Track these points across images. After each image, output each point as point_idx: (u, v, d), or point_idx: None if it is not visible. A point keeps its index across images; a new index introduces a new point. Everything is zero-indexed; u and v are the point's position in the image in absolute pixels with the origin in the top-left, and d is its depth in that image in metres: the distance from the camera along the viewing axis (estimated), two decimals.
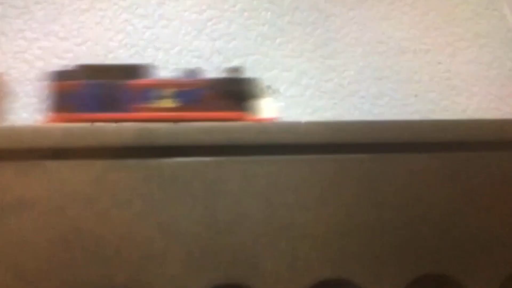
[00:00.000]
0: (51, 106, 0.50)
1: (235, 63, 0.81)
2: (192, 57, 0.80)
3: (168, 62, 0.79)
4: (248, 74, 0.53)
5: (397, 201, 0.46)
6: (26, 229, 0.41)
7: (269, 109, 0.51)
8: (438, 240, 0.45)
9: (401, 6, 0.89)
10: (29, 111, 0.73)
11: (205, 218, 0.43)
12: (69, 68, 0.51)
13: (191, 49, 0.80)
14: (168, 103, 0.50)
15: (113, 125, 0.44)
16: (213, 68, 0.77)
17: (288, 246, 0.44)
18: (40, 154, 0.43)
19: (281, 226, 0.44)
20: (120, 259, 0.42)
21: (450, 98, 0.87)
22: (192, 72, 0.51)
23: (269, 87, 0.79)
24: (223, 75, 0.52)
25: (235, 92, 0.51)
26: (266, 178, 0.44)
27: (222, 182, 0.44)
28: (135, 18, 0.79)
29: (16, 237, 0.41)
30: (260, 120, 0.50)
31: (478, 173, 0.47)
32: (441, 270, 0.45)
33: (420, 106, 0.85)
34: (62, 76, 0.50)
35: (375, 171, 0.46)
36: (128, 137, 0.43)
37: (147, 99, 0.50)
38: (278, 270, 0.43)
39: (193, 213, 0.43)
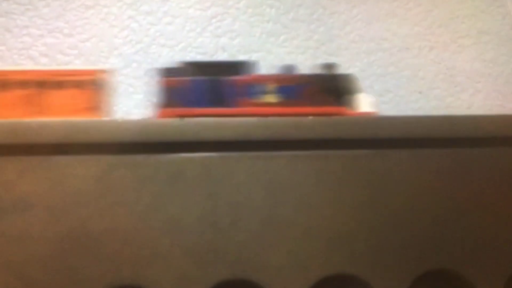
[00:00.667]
0: (160, 102, 0.51)
1: (239, 60, 0.81)
2: (196, 54, 0.80)
3: (172, 58, 0.79)
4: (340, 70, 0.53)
5: (403, 197, 0.46)
6: (30, 226, 0.41)
7: (366, 104, 0.52)
8: (444, 237, 0.45)
9: (405, 3, 0.89)
10: None
11: (211, 214, 0.43)
12: (176, 65, 0.53)
13: (196, 45, 0.80)
14: (271, 98, 0.51)
15: (119, 120, 0.44)
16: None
17: (294, 242, 0.44)
18: (44, 150, 0.43)
19: (287, 222, 0.44)
20: (126, 256, 0.42)
21: (454, 95, 0.87)
22: (289, 68, 0.52)
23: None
24: (317, 71, 0.53)
25: (334, 87, 0.52)
26: (272, 174, 0.44)
27: (228, 178, 0.44)
28: (139, 15, 0.80)
29: (20, 235, 0.41)
30: (359, 115, 0.51)
31: (484, 170, 0.47)
32: (448, 267, 0.45)
33: (424, 103, 0.85)
34: (169, 72, 0.52)
35: (380, 167, 0.46)
36: (135, 132, 0.44)
37: (251, 95, 0.51)
38: (283, 267, 0.43)
39: (199, 209, 0.43)
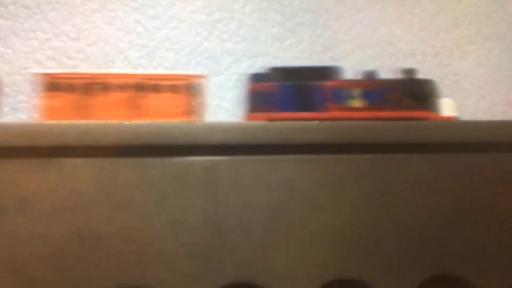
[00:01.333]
0: (250, 106, 0.53)
1: (244, 64, 0.81)
2: (202, 58, 0.80)
3: (178, 63, 0.79)
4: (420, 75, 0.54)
5: (408, 201, 0.46)
6: (35, 226, 0.41)
7: (448, 108, 0.53)
8: (449, 240, 0.45)
9: (411, 8, 0.89)
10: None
11: (216, 216, 0.43)
12: (264, 70, 0.55)
13: (201, 50, 0.81)
14: (357, 103, 0.52)
15: (126, 123, 0.44)
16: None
17: (299, 245, 0.44)
18: (51, 152, 0.43)
19: (292, 225, 0.44)
20: (131, 257, 0.42)
21: (459, 101, 0.87)
22: (371, 74, 0.53)
23: None
24: (398, 76, 0.54)
25: (416, 92, 0.52)
26: (277, 177, 0.45)
27: (234, 181, 0.44)
28: (145, 19, 0.80)
29: (25, 235, 0.41)
30: (444, 119, 0.52)
31: (489, 175, 0.47)
32: (453, 270, 0.45)
33: None
34: (258, 78, 0.54)
35: (385, 172, 0.46)
36: (142, 135, 0.44)
37: (338, 99, 0.52)
38: (288, 269, 0.43)
39: (204, 211, 0.43)
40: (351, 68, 0.84)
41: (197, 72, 0.53)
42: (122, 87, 0.51)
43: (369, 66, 0.85)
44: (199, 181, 0.44)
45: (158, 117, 0.50)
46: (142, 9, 0.80)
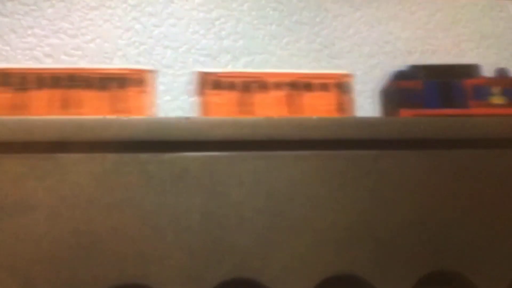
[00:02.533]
0: (396, 102, 0.55)
1: (242, 62, 0.81)
2: (200, 56, 0.80)
3: (176, 60, 0.79)
4: None
5: (407, 199, 0.46)
6: (34, 225, 0.41)
7: None
8: (448, 238, 0.45)
9: (408, 6, 0.89)
10: None
11: (215, 213, 0.43)
12: (408, 68, 0.57)
13: (199, 47, 0.81)
14: (498, 100, 0.54)
15: (124, 118, 0.44)
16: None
17: (298, 242, 0.44)
18: (49, 148, 0.43)
19: (292, 222, 0.44)
20: (130, 255, 0.42)
21: None
22: (504, 71, 0.56)
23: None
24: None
25: None
26: (276, 174, 0.45)
27: (233, 177, 0.44)
28: (143, 16, 0.80)
29: (24, 234, 0.41)
30: None
31: (489, 172, 0.47)
32: (451, 268, 0.45)
33: None
34: (401, 75, 0.56)
35: (384, 169, 0.46)
36: (140, 130, 0.44)
37: (480, 96, 0.54)
38: (287, 266, 0.43)
39: (203, 209, 0.43)
40: (349, 66, 0.84)
41: (346, 71, 0.55)
42: (278, 85, 0.53)
43: (366, 64, 0.85)
44: (198, 177, 0.44)
45: (312, 115, 0.52)
46: (140, 7, 0.80)
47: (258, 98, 0.52)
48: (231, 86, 0.52)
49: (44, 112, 0.48)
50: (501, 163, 0.47)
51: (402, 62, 0.85)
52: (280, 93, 0.52)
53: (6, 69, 0.50)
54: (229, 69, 0.80)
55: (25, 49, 0.75)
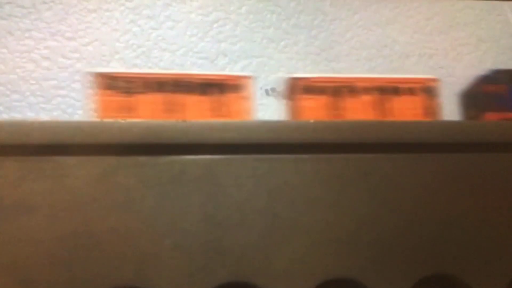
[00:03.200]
0: (482, 106, 0.57)
1: (240, 65, 0.81)
2: (197, 59, 0.80)
3: (173, 63, 0.79)
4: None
5: (405, 202, 0.46)
6: (33, 226, 0.41)
7: None
8: (445, 241, 0.45)
9: (406, 10, 0.89)
10: (35, 110, 0.73)
11: (214, 216, 0.43)
12: (493, 73, 0.59)
13: (197, 50, 0.81)
14: None
15: (123, 121, 0.44)
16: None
17: (296, 245, 0.44)
18: (47, 150, 0.43)
19: (290, 225, 0.44)
20: (129, 257, 0.42)
21: (454, 103, 0.87)
22: None
23: (273, 89, 0.80)
24: None
25: None
26: (275, 177, 0.45)
27: (231, 180, 0.44)
28: (141, 19, 0.80)
29: (23, 235, 0.41)
30: None
31: (487, 175, 0.47)
32: (449, 271, 0.45)
33: None
34: (486, 80, 0.58)
35: (383, 172, 0.46)
36: (138, 134, 0.44)
37: None
38: (285, 269, 0.43)
39: (202, 211, 0.43)
40: (347, 70, 0.84)
41: (432, 76, 0.56)
42: (367, 90, 0.54)
43: (364, 68, 0.85)
44: (197, 180, 0.44)
45: (400, 119, 0.53)
46: (138, 9, 0.80)
47: (348, 103, 0.53)
48: (322, 91, 0.53)
49: (149, 115, 0.50)
50: (501, 168, 0.47)
51: (400, 65, 0.86)
52: (369, 98, 0.54)
53: (113, 74, 0.51)
54: (227, 72, 0.80)
55: (22, 51, 0.75)
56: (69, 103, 0.74)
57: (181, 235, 0.43)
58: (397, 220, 0.45)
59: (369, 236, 0.45)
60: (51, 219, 0.42)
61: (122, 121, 0.44)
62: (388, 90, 0.54)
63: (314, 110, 0.52)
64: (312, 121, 0.47)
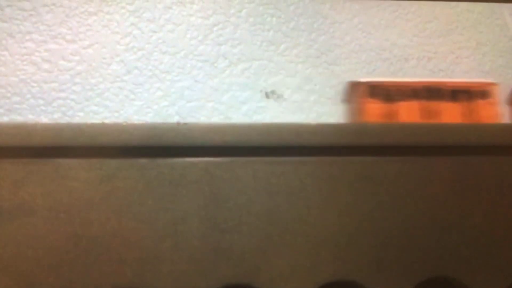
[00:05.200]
0: None
1: (240, 68, 0.81)
2: (197, 61, 0.80)
3: (173, 66, 0.79)
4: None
5: (406, 204, 0.46)
6: (34, 229, 0.41)
7: None
8: (445, 243, 0.45)
9: (405, 13, 0.89)
10: (36, 112, 0.73)
11: (214, 219, 0.43)
12: None
13: (197, 53, 0.81)
14: None
15: (123, 124, 0.44)
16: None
17: (297, 247, 0.44)
18: (49, 153, 0.43)
19: (290, 227, 0.44)
20: (129, 259, 0.42)
21: None
22: None
23: (273, 92, 0.80)
24: None
25: None
26: (274, 179, 0.45)
27: (231, 182, 0.44)
28: (141, 22, 0.80)
29: (24, 237, 0.41)
30: None
31: (488, 178, 0.47)
32: (448, 273, 0.45)
33: None
34: None
35: (383, 175, 0.46)
36: (139, 136, 0.44)
37: None
38: (285, 271, 0.43)
39: (202, 213, 0.43)
40: (346, 73, 0.84)
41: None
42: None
43: (363, 71, 0.85)
44: (197, 182, 0.44)
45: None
46: (138, 12, 0.80)
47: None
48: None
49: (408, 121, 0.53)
50: (501, 170, 0.47)
51: (399, 69, 0.86)
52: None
53: (373, 83, 0.56)
54: (227, 75, 0.80)
55: (23, 54, 0.75)
56: (70, 106, 0.74)
57: (181, 237, 0.43)
58: (398, 222, 0.45)
59: (370, 238, 0.45)
60: (52, 221, 0.42)
61: (123, 124, 0.44)
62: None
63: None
64: (312, 123, 0.47)
